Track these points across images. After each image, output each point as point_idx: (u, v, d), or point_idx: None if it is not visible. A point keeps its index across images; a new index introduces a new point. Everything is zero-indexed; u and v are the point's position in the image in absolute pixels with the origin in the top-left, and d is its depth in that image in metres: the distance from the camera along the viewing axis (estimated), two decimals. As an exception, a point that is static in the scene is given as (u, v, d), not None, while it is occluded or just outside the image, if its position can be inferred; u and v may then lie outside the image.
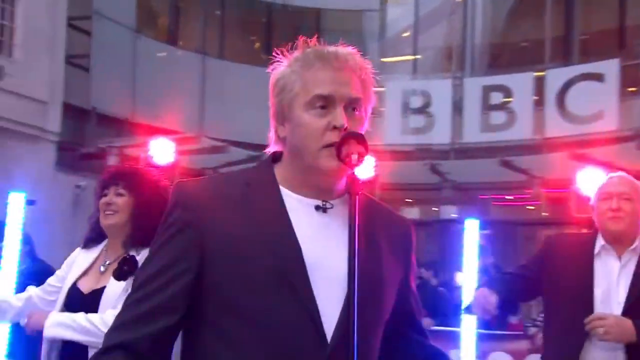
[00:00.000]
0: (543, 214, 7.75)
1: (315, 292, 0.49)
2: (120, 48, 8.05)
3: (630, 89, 7.74)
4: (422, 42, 9.43)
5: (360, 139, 0.50)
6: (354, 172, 0.49)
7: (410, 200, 8.83)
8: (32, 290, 1.54)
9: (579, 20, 8.63)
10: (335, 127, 0.51)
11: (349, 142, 0.49)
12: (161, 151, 4.95)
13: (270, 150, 0.63)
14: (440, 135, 7.94)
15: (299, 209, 0.54)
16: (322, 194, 0.55)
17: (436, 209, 8.69)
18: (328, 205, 0.55)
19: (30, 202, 3.18)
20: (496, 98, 7.76)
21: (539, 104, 7.65)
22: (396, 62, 9.78)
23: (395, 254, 0.60)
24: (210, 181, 0.74)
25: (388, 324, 0.59)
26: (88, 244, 1.47)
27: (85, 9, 7.65)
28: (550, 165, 6.75)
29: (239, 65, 9.29)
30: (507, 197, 8.54)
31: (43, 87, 6.60)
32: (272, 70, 0.59)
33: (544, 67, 8.07)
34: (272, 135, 0.60)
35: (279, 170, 0.59)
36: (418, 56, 9.51)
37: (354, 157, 0.48)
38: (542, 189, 7.06)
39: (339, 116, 0.51)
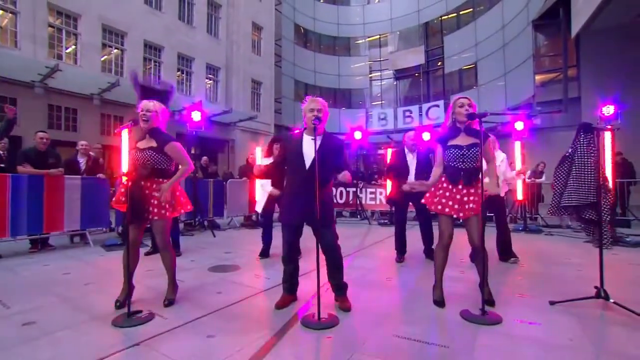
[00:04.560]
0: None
1: (305, 160, 2.63)
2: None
3: None
4: None
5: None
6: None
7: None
8: None
9: None
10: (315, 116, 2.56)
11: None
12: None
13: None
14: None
15: (307, 139, 2.62)
16: (311, 134, 2.56)
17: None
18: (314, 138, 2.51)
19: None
20: None
21: None
22: None
23: (334, 149, 2.68)
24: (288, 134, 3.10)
25: (332, 169, 2.68)
26: None
27: None
28: None
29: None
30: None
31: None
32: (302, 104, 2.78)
33: None
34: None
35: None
36: None
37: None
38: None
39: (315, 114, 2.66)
